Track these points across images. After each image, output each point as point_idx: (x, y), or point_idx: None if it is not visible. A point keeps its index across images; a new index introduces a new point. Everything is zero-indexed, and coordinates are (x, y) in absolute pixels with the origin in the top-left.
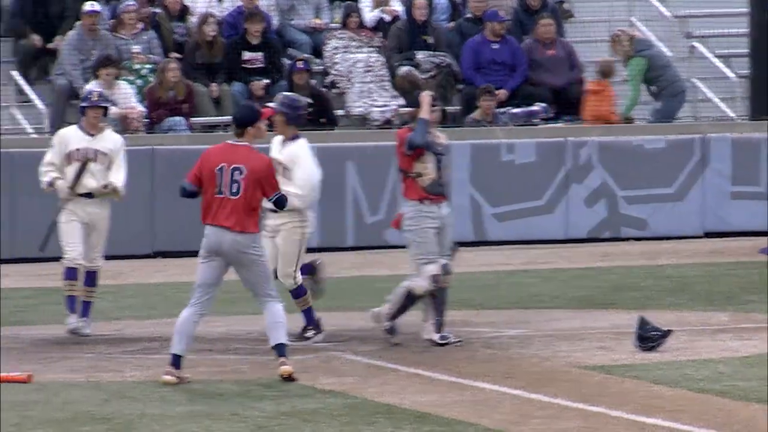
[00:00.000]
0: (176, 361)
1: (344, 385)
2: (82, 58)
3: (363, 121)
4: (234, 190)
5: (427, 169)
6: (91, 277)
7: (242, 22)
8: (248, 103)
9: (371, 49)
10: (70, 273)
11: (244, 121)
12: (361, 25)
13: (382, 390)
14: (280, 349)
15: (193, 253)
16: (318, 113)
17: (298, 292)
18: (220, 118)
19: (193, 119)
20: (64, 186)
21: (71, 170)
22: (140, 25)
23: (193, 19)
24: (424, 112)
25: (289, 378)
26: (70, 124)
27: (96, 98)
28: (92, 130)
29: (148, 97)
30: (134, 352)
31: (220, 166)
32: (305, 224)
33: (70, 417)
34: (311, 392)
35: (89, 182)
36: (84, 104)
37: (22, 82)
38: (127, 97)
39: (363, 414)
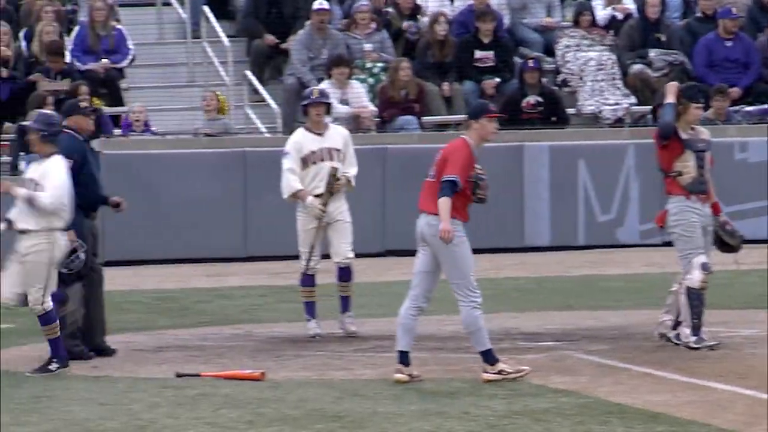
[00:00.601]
0: (403, 358)
1: (576, 385)
2: (311, 56)
3: (594, 119)
4: (432, 173)
5: (687, 167)
6: (345, 272)
7: (473, 20)
8: (482, 101)
9: (603, 47)
10: (308, 280)
11: (469, 115)
12: (593, 24)
13: (614, 389)
14: (482, 356)
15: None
16: (549, 112)
17: (45, 319)
18: (451, 117)
19: (425, 118)
20: (315, 203)
21: (308, 174)
22: (373, 25)
23: (424, 19)
24: (670, 99)
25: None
26: (302, 123)
27: (316, 95)
28: (318, 129)
29: (379, 96)
30: (366, 350)
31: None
32: (53, 245)
33: (303, 414)
34: (543, 391)
35: (322, 181)
36: (305, 102)
37: (255, 82)
38: (359, 96)
39: (595, 413)
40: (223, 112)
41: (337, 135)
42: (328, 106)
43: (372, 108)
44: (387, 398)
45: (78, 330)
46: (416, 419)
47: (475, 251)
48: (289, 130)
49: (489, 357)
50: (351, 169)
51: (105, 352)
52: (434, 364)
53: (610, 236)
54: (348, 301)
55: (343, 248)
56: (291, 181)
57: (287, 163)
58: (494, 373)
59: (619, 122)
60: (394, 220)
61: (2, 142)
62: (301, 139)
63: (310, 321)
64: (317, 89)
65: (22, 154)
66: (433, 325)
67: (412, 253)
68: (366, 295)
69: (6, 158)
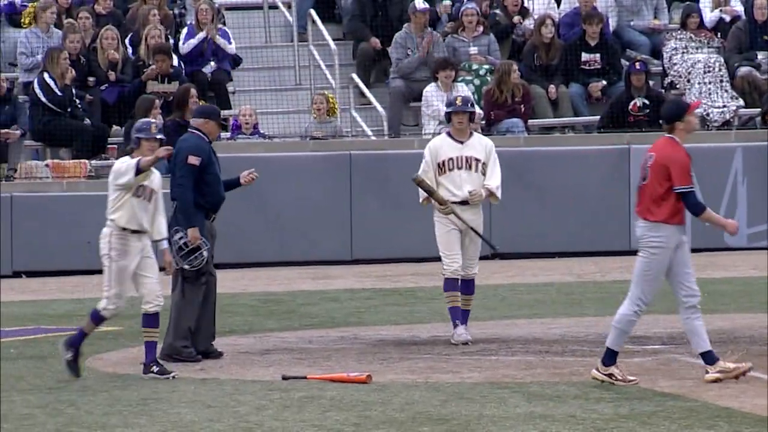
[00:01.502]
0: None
1: (683, 388)
2: (408, 54)
3: (702, 122)
4: (644, 176)
5: None
6: (468, 285)
7: (580, 23)
8: (675, 98)
9: (710, 49)
10: (451, 284)
11: (671, 117)
12: (701, 26)
13: (721, 393)
14: (606, 353)
15: (529, 255)
16: (656, 114)
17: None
18: (557, 119)
19: (531, 121)
20: (435, 204)
21: (444, 180)
22: (480, 29)
23: (527, 22)
24: None
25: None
26: (407, 126)
27: (460, 103)
28: (460, 137)
29: (484, 98)
30: (472, 353)
31: (646, 156)
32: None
33: (409, 417)
34: (650, 395)
35: (465, 188)
36: (448, 110)
37: (361, 85)
38: None
39: (702, 417)
40: (333, 113)
41: (479, 145)
42: (472, 114)
43: (478, 110)
44: (493, 401)
45: (189, 331)
46: (522, 422)
47: (582, 254)
48: (394, 132)
49: (611, 357)
50: (492, 181)
51: (212, 354)
52: (540, 367)
53: (717, 239)
54: (467, 315)
55: (469, 263)
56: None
57: (422, 168)
58: (604, 375)
59: (726, 125)
60: (499, 223)
61: (110, 146)
62: (440, 145)
63: (458, 327)
64: (460, 97)
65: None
66: (538, 328)
67: (517, 256)
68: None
69: (114, 161)
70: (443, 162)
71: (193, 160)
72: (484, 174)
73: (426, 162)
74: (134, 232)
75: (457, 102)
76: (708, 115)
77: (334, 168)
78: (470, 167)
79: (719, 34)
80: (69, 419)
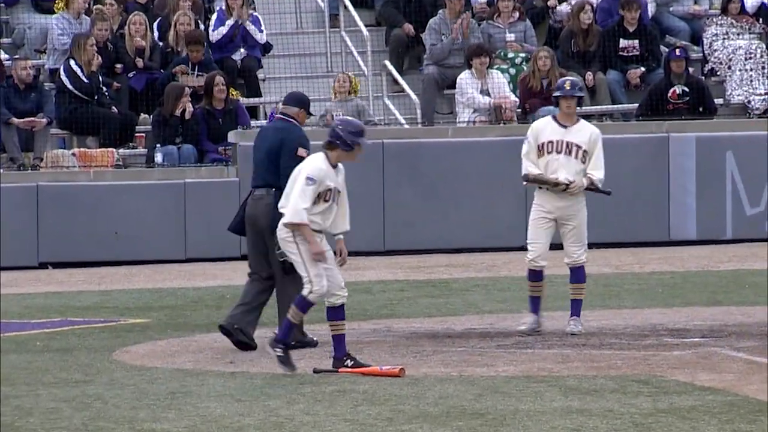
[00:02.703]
0: None
1: (724, 382)
2: (442, 41)
3: (743, 109)
4: None
5: None
6: (576, 273)
7: (617, 8)
8: None
9: (752, 35)
10: (535, 275)
11: None
12: (742, 11)
13: (763, 387)
14: None
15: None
16: (696, 102)
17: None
18: (595, 107)
19: None
20: (549, 180)
21: (541, 162)
22: (516, 15)
23: (561, 8)
24: None
25: None
26: (441, 114)
27: (569, 87)
28: (565, 121)
29: (520, 86)
30: (507, 346)
31: None
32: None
33: (443, 411)
34: (689, 389)
35: (560, 173)
36: (557, 94)
37: (394, 72)
38: (499, 86)
39: (743, 412)
40: (354, 93)
41: (584, 132)
42: (580, 99)
43: (513, 98)
44: (528, 395)
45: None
46: (559, 417)
47: (620, 245)
48: (428, 120)
49: None
50: (595, 171)
51: (248, 346)
52: (577, 360)
53: (759, 229)
54: (578, 305)
55: (573, 250)
56: (528, 166)
57: (524, 149)
58: None
59: None
60: None
61: (138, 134)
62: (543, 127)
63: (527, 315)
64: (569, 80)
65: (158, 146)
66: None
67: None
68: (507, 290)
69: (142, 150)
70: (542, 144)
71: (303, 152)
72: (583, 162)
73: (528, 143)
74: (314, 231)
75: (566, 86)
76: (749, 102)
77: (367, 156)
78: (570, 153)
79: (761, 20)
80: (96, 413)
